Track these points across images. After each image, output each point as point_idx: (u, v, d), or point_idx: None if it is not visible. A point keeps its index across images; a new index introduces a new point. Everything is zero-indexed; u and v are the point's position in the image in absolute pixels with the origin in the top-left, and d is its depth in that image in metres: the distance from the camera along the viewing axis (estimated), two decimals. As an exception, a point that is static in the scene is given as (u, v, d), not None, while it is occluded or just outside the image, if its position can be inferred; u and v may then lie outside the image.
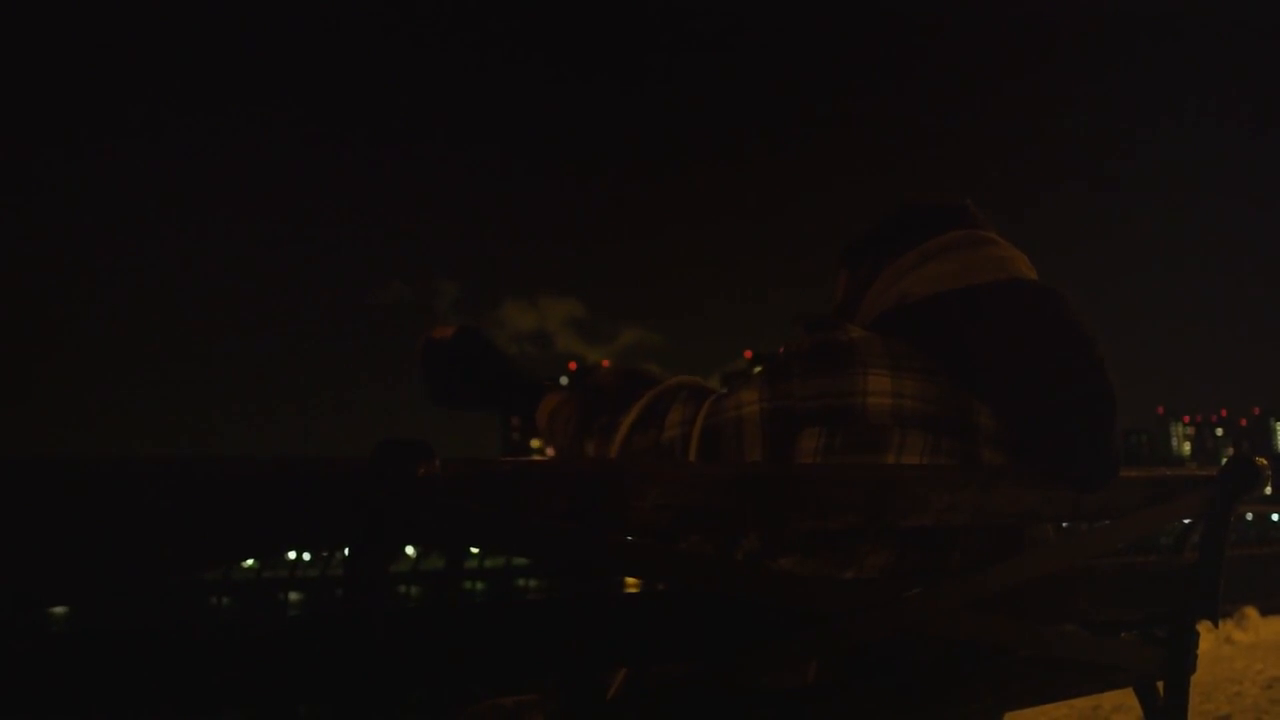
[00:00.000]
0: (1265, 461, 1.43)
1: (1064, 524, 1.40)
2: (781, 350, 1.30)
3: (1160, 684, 1.50)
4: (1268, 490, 1.46)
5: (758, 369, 1.30)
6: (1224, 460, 1.49)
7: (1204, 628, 1.51)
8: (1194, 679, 1.52)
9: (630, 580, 1.33)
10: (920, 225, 1.40)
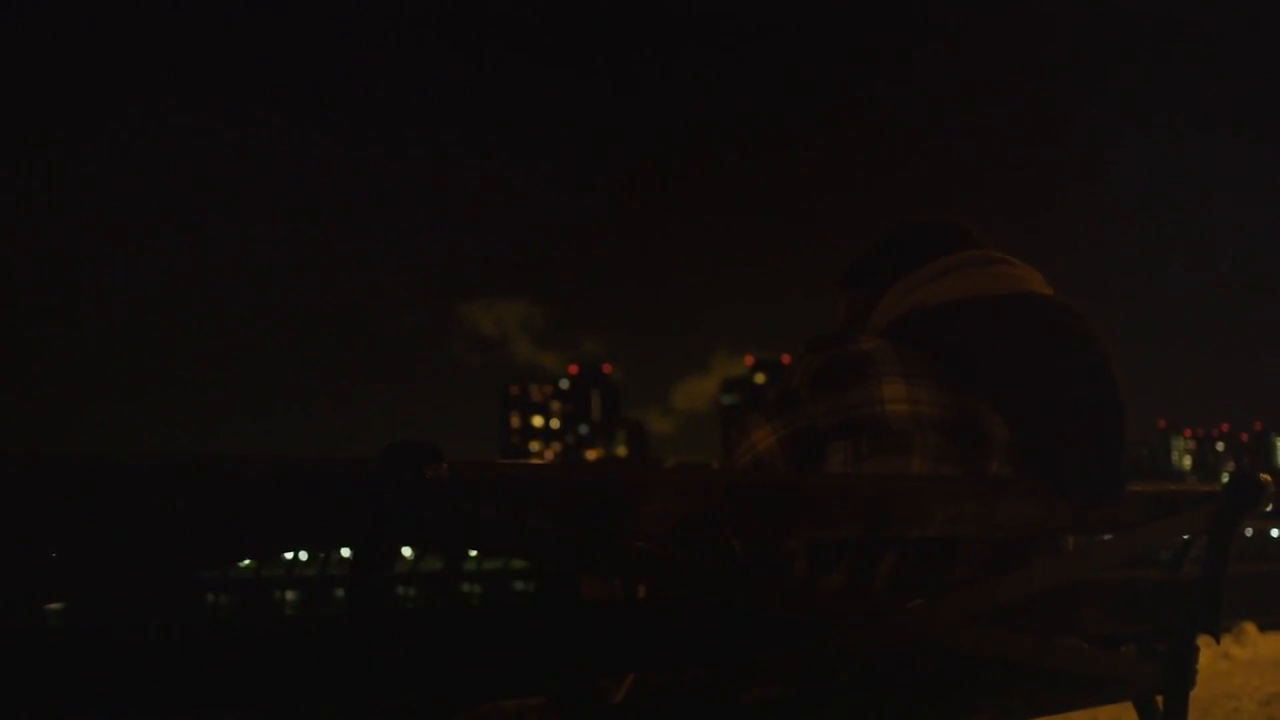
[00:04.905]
0: (1269, 478, 1.43)
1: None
2: (785, 360, 1.31)
3: (1159, 699, 1.50)
4: (1269, 507, 1.46)
5: (759, 376, 1.30)
6: (1224, 475, 1.49)
7: (1203, 643, 1.51)
8: (1192, 694, 1.52)
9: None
10: (929, 243, 1.41)
